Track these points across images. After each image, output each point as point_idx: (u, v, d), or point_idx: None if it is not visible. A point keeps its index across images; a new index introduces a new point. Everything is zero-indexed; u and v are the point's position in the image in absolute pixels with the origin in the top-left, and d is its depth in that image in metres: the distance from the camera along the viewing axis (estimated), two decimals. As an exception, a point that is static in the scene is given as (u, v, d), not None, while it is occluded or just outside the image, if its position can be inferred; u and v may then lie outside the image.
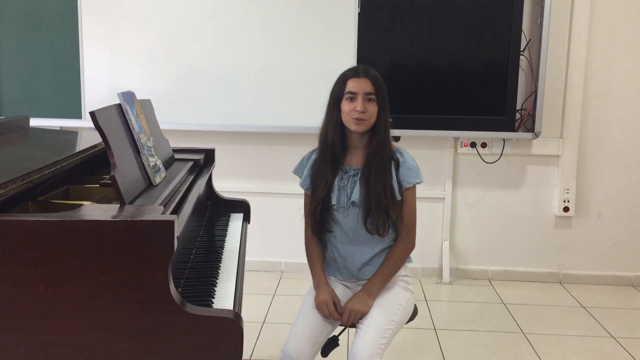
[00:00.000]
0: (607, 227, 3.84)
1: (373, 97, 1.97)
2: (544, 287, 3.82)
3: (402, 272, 2.11)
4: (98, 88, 3.72)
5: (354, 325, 2.00)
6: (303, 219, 2.15)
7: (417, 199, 2.10)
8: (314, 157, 2.11)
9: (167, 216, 1.35)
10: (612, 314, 3.39)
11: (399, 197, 2.01)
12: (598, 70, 3.69)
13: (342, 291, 2.09)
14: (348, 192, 2.03)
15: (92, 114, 1.53)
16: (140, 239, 1.32)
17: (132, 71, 3.70)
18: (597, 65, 3.69)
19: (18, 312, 1.32)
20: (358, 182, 2.02)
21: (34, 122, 3.63)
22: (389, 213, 1.99)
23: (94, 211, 1.40)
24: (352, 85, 1.98)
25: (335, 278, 2.13)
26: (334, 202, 2.02)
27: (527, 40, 3.61)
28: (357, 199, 2.00)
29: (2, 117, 3.65)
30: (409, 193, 2.04)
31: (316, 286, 2.05)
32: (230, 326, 1.37)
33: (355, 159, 2.05)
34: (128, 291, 1.34)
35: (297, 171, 2.17)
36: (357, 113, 1.95)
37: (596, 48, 3.67)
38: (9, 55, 3.74)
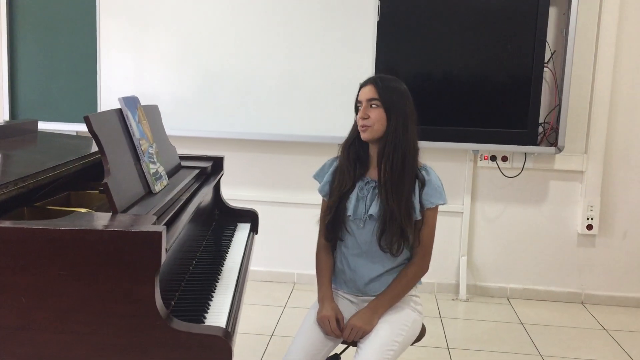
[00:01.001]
0: (633, 247, 3.69)
1: (377, 102, 1.90)
2: (565, 307, 3.68)
3: (411, 291, 2.02)
4: (115, 93, 3.71)
5: (355, 343, 1.92)
6: (318, 226, 2.09)
7: (433, 213, 2.02)
8: (335, 164, 2.06)
9: (155, 227, 1.29)
10: (635, 338, 3.25)
11: (418, 217, 1.93)
12: (625, 84, 3.56)
13: (346, 306, 2.01)
14: (367, 204, 1.95)
15: (86, 118, 1.48)
16: (126, 250, 1.26)
17: (149, 76, 3.68)
18: (624, 78, 3.56)
19: (-3, 323, 1.27)
20: (378, 196, 1.94)
21: (50, 126, 3.66)
22: (405, 232, 1.90)
23: (81, 220, 1.35)
24: (359, 94, 1.96)
25: (341, 292, 2.05)
26: (350, 212, 1.95)
27: (552, 51, 3.50)
28: (375, 213, 1.93)
29: (12, 120, 3.66)
30: (430, 214, 1.96)
31: (320, 299, 1.98)
32: (219, 345, 1.30)
33: (376, 171, 1.98)
34: (113, 304, 1.28)
35: (318, 176, 2.10)
36: (361, 120, 1.91)
37: (624, 61, 3.54)
38: (26, 58, 3.75)
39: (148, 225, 1.30)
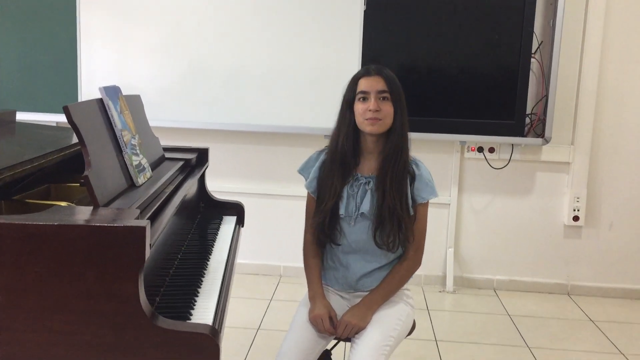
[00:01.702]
0: (619, 238, 3.70)
1: (387, 95, 1.84)
2: (551, 298, 3.68)
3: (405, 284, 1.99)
4: (96, 83, 3.62)
5: (348, 339, 1.88)
6: (304, 222, 2.02)
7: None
8: (322, 157, 1.97)
9: (139, 222, 1.24)
10: (622, 329, 3.25)
11: (412, 212, 1.89)
12: (612, 75, 3.55)
13: (337, 302, 1.96)
14: (357, 201, 1.89)
15: (65, 108, 1.42)
16: (108, 246, 1.21)
17: (131, 67, 3.60)
18: (611, 69, 3.55)
19: (-27, 323, 1.22)
20: (369, 192, 1.88)
21: (31, 117, 3.57)
22: (402, 227, 1.85)
23: (61, 214, 1.30)
24: (363, 84, 1.86)
25: (332, 288, 2.00)
26: (342, 211, 1.89)
27: (539, 42, 3.47)
28: (367, 210, 1.87)
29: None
30: (421, 209, 1.92)
31: (311, 297, 1.92)
32: (206, 343, 1.25)
33: (368, 166, 1.92)
34: (95, 303, 1.23)
35: (303, 171, 2.02)
36: (370, 113, 1.82)
37: (611, 52, 3.53)
38: (5, 48, 3.65)
39: (131, 220, 1.25)
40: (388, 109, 1.84)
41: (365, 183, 1.90)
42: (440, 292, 3.72)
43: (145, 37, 3.57)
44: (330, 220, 1.89)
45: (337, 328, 1.85)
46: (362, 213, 1.87)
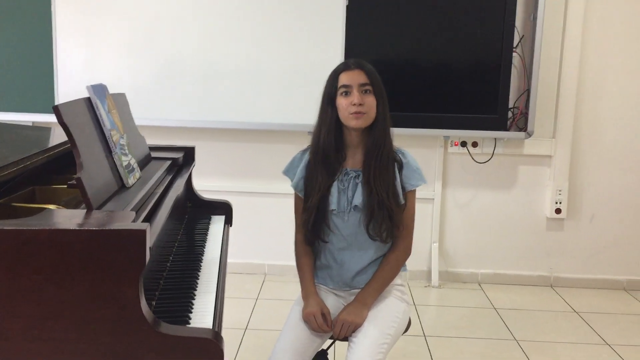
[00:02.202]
0: (600, 230, 3.75)
1: (369, 87, 1.83)
2: (535, 290, 3.72)
3: (397, 280, 1.97)
4: (72, 82, 3.54)
5: (346, 339, 1.86)
6: (293, 221, 2.01)
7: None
8: (306, 157, 1.95)
9: (139, 225, 1.20)
10: (605, 319, 3.30)
11: (402, 201, 1.88)
12: (592, 69, 3.59)
13: (333, 301, 1.94)
14: (349, 195, 1.88)
15: (55, 108, 1.37)
16: (107, 250, 1.16)
17: (109, 64, 3.52)
18: (591, 63, 3.58)
19: (-34, 333, 1.16)
20: (360, 185, 1.88)
21: (4, 117, 3.47)
22: (392, 217, 1.85)
23: (55, 218, 1.25)
24: (344, 78, 1.84)
25: (326, 287, 1.98)
26: (333, 206, 1.87)
27: (520, 36, 3.49)
28: (360, 202, 1.86)
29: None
30: (410, 196, 1.93)
31: (304, 296, 1.90)
32: (209, 348, 1.22)
33: (355, 160, 1.91)
34: (94, 309, 1.18)
35: (288, 172, 2.00)
36: (355, 107, 1.80)
37: (590, 45, 3.57)
38: (-23, 45, 3.54)
39: (131, 223, 1.21)
40: (371, 101, 1.83)
41: (355, 177, 1.89)
42: (425, 287, 3.73)
43: (123, 34, 3.49)
44: (317, 217, 1.88)
45: (334, 328, 1.82)
46: (355, 206, 1.87)
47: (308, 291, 1.90)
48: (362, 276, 1.92)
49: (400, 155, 1.91)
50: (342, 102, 1.84)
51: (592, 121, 3.64)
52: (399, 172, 1.89)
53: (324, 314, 1.82)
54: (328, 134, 1.87)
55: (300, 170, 1.95)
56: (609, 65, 3.59)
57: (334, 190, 1.88)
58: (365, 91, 1.83)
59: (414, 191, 1.94)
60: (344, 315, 1.82)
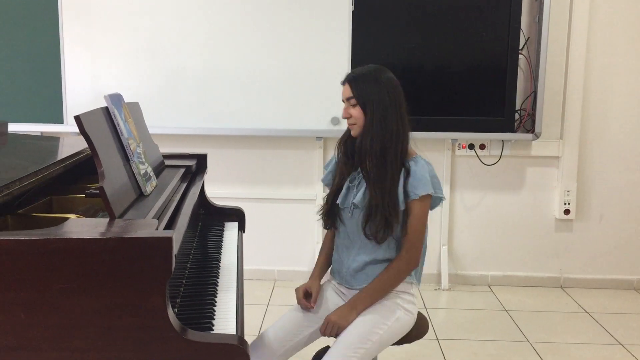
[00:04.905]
0: (609, 230, 3.75)
1: (353, 101, 1.93)
2: (545, 292, 3.72)
3: (401, 287, 1.95)
4: (80, 91, 3.55)
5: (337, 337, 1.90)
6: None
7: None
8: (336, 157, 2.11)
9: (164, 232, 1.21)
10: (617, 319, 3.29)
11: (402, 207, 1.89)
12: (598, 69, 3.60)
13: (335, 298, 2.03)
14: (354, 192, 1.96)
15: (77, 118, 1.38)
16: (134, 259, 1.17)
17: (116, 74, 3.54)
18: (597, 64, 3.59)
19: (-6, 343, 1.17)
20: (364, 185, 1.94)
21: (13, 128, 3.47)
22: (389, 222, 1.87)
23: (80, 227, 1.26)
24: (342, 93, 1.99)
25: (334, 282, 2.06)
26: (339, 201, 1.97)
27: (526, 38, 3.50)
28: (358, 201, 1.92)
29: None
30: (415, 205, 1.89)
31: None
32: (236, 353, 1.23)
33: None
34: (120, 317, 1.19)
35: (325, 167, 2.18)
36: (346, 120, 1.97)
37: (596, 46, 3.58)
38: (-15, 57, 3.56)
39: (156, 231, 1.22)
40: (357, 113, 1.92)
41: (365, 177, 1.97)
42: (435, 290, 3.73)
43: (129, 45, 3.51)
44: (331, 208, 2.01)
45: (321, 326, 1.89)
46: (354, 204, 1.94)
47: (312, 274, 2.07)
48: (361, 277, 1.95)
49: (412, 162, 1.92)
50: None
51: (600, 121, 3.65)
52: (405, 180, 1.90)
53: (309, 292, 1.99)
54: (342, 139, 2.05)
55: (332, 165, 2.11)
56: (615, 65, 3.59)
57: (345, 187, 1.98)
58: (353, 105, 1.93)
59: (420, 201, 1.88)
60: (331, 316, 1.87)
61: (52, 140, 2.55)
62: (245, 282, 3.65)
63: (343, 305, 1.89)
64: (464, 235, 3.79)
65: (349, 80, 1.94)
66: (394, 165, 1.89)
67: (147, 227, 1.27)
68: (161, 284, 1.19)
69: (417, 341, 2.04)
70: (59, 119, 3.59)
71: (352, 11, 3.44)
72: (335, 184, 2.01)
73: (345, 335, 1.83)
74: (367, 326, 1.84)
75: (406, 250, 1.92)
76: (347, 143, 2.02)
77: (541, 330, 3.15)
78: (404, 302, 1.95)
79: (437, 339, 3.01)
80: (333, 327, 1.84)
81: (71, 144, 2.23)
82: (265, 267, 3.81)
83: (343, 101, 1.96)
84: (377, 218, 1.87)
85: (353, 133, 1.96)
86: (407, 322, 1.95)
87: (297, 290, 2.02)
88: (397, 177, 1.89)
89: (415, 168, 1.90)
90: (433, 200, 1.94)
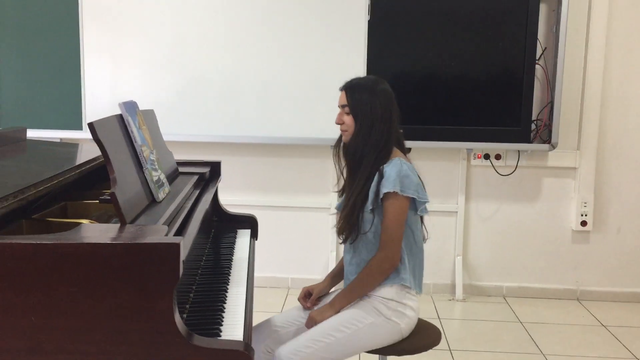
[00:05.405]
0: (627, 242, 3.70)
1: (347, 109, 1.99)
2: (561, 304, 3.67)
3: (391, 294, 1.93)
4: (99, 98, 3.61)
5: None
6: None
7: (429, 213, 2.01)
8: None
9: (173, 238, 1.22)
10: (634, 333, 3.25)
11: (370, 207, 1.93)
12: (616, 79, 3.57)
13: None
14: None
15: (90, 125, 1.41)
16: (142, 264, 1.19)
17: (134, 81, 3.59)
18: (615, 74, 3.56)
19: (4, 345, 1.19)
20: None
21: (33, 134, 3.52)
22: (352, 220, 1.95)
23: (91, 232, 1.28)
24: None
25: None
26: (335, 206, 2.09)
27: (543, 48, 3.49)
28: (338, 205, 2.08)
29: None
30: (387, 204, 1.91)
31: None
32: (242, 359, 1.23)
33: None
34: (128, 321, 1.20)
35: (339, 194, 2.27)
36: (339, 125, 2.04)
37: (614, 57, 3.55)
38: (7, 64, 3.63)
39: (165, 237, 1.23)
40: (349, 121, 1.99)
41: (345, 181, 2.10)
42: (449, 300, 3.70)
43: (147, 52, 3.55)
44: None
45: (306, 320, 1.98)
46: (336, 208, 2.08)
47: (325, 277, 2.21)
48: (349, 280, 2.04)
49: (386, 166, 1.94)
50: None
51: (617, 132, 3.61)
52: (378, 182, 1.93)
53: (310, 292, 2.13)
54: (341, 146, 2.13)
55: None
56: (633, 75, 3.56)
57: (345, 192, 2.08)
58: (347, 112, 1.99)
59: (391, 200, 1.89)
60: (312, 312, 1.98)
61: (71, 147, 2.58)
62: (258, 290, 3.70)
63: (325, 303, 2.00)
64: (479, 246, 3.77)
65: (346, 88, 2.01)
66: (366, 170, 1.96)
67: (156, 233, 1.28)
68: (169, 289, 1.20)
69: (429, 351, 2.04)
70: (78, 125, 3.64)
71: (368, 20, 3.45)
72: (341, 192, 2.13)
73: (301, 333, 1.93)
74: (322, 328, 1.90)
75: (381, 248, 1.94)
76: (342, 148, 2.09)
77: (556, 343, 3.11)
78: (389, 309, 1.93)
79: (450, 349, 2.99)
80: (311, 322, 1.94)
81: (88, 150, 2.26)
82: (279, 274, 3.82)
83: (339, 107, 2.03)
84: (343, 217, 1.99)
85: (344, 139, 2.04)
86: (386, 330, 1.93)
87: (302, 289, 2.18)
88: (369, 181, 1.94)
89: (387, 169, 1.94)
90: (417, 203, 1.95)
